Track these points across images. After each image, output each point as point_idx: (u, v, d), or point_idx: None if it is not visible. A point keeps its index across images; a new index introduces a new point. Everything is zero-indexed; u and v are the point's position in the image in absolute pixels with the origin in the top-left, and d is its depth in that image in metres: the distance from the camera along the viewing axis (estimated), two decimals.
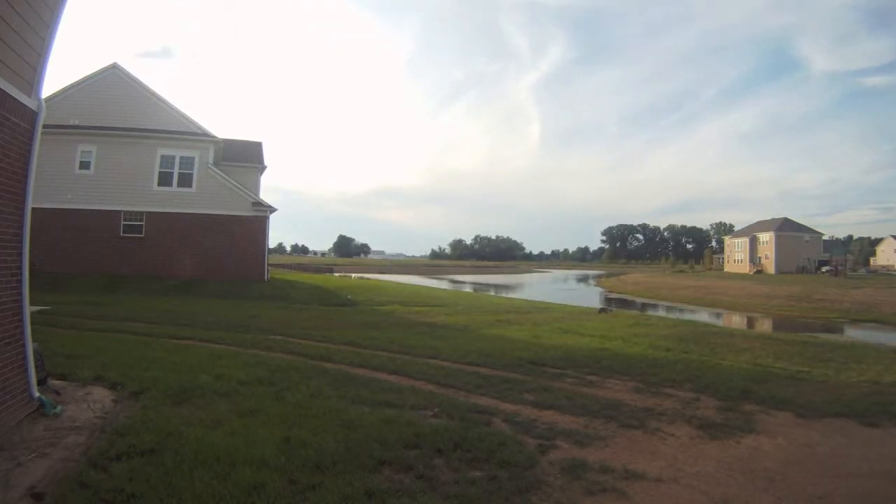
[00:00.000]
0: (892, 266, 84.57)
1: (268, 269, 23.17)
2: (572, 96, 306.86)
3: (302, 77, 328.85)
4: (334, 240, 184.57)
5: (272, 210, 21.96)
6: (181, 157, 20.74)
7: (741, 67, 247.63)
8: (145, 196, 20.31)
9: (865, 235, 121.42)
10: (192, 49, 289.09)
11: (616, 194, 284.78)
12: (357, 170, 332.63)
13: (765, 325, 23.99)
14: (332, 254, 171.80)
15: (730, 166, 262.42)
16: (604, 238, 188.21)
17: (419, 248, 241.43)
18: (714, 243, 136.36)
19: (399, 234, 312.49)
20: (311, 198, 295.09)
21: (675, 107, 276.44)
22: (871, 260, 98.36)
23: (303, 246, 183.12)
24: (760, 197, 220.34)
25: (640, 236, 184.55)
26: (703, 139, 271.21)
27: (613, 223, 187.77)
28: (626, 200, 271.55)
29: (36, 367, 4.51)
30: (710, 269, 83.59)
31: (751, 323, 25.34)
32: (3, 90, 3.89)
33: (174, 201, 20.56)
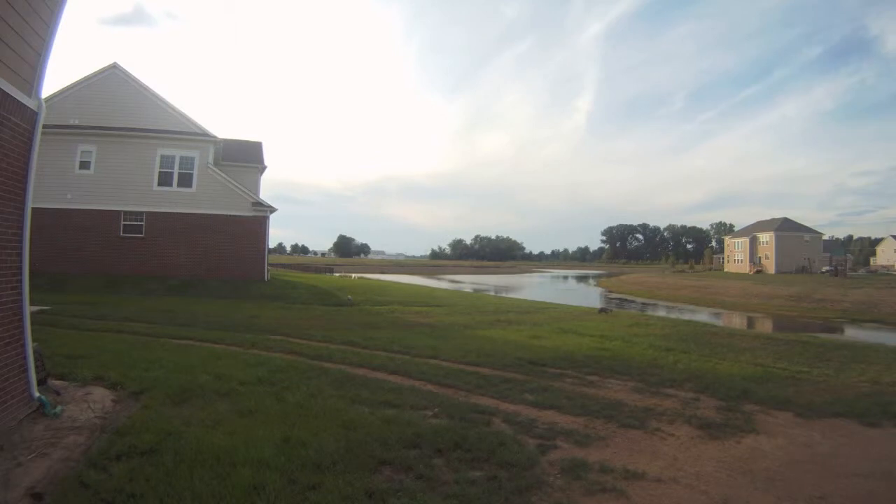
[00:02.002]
0: (892, 266, 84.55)
1: (268, 269, 23.15)
2: (644, 53, 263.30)
3: (293, 42, 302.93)
4: (334, 240, 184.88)
5: (272, 210, 21.94)
6: (181, 157, 20.73)
7: (841, 32, 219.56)
8: (145, 196, 20.30)
9: (866, 235, 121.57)
10: (169, 8, 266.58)
11: (651, 187, 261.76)
12: (360, 159, 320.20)
13: (765, 325, 23.99)
14: (332, 254, 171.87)
15: (779, 158, 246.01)
16: (604, 238, 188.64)
17: (419, 249, 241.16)
18: (714, 243, 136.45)
19: (399, 235, 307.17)
20: (313, 188, 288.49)
21: (757, 76, 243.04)
22: (872, 260, 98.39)
23: (303, 246, 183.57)
24: (804, 193, 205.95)
25: (640, 236, 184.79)
26: (765, 124, 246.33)
27: (647, 221, 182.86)
28: (660, 194, 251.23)
29: (36, 367, 4.51)
30: (709, 269, 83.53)
31: (751, 323, 25.33)
32: (3, 90, 3.89)
33: (174, 201, 20.55)
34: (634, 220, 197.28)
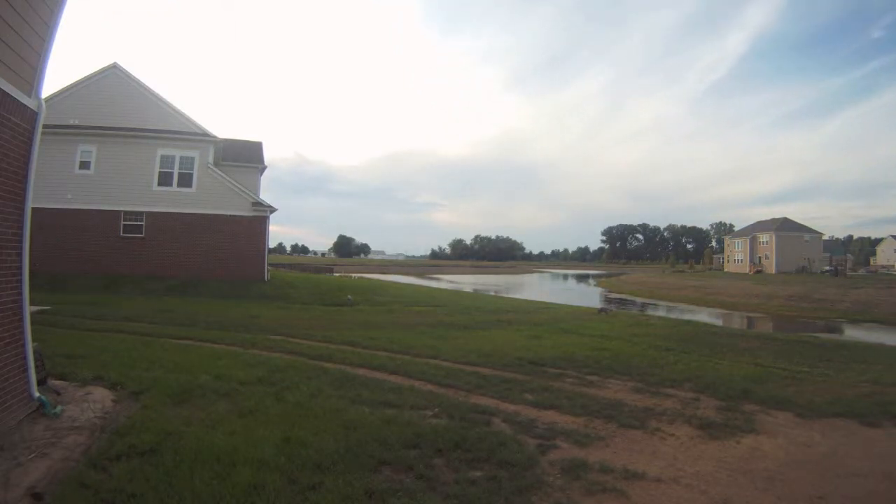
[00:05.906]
0: (893, 266, 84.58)
1: (268, 269, 23.14)
2: None
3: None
4: (334, 240, 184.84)
5: (272, 210, 21.95)
6: (181, 157, 20.73)
7: None
8: (145, 196, 20.29)
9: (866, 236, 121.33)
10: None
11: (732, 172, 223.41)
12: (360, 153, 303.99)
13: (765, 326, 23.99)
14: (332, 254, 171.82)
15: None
16: (604, 238, 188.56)
17: (419, 249, 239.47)
18: (714, 243, 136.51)
19: (399, 235, 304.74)
20: (314, 184, 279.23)
21: None
22: (872, 260, 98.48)
23: (303, 246, 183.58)
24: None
25: (640, 236, 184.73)
26: None
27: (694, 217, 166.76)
28: (742, 181, 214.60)
29: (36, 367, 4.51)
30: (709, 270, 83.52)
31: (751, 323, 25.34)
32: (3, 90, 3.89)
33: (174, 201, 20.55)
34: (711, 217, 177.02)
